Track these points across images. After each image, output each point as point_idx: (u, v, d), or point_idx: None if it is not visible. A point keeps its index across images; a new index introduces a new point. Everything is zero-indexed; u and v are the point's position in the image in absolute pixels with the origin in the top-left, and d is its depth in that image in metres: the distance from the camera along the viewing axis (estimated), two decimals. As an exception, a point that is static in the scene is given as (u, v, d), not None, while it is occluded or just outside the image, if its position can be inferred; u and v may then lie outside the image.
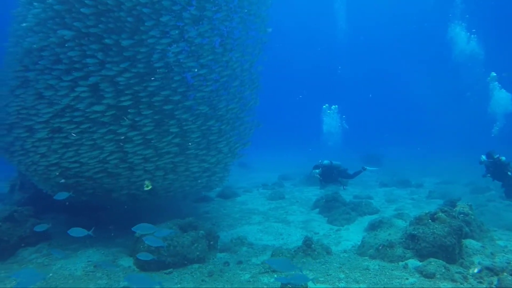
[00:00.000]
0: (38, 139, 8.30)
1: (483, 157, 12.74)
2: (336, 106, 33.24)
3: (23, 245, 8.58)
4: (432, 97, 59.28)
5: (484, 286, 6.06)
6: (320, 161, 13.14)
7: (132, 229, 6.65)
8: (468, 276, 6.39)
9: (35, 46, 7.99)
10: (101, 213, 10.86)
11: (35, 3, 7.92)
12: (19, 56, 8.53)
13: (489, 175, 12.94)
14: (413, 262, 6.92)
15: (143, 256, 7.04)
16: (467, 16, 31.05)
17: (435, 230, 7.26)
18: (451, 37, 32.11)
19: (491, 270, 6.46)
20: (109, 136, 8.26)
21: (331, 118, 33.44)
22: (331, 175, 12.90)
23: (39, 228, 7.83)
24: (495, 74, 23.43)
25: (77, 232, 7.01)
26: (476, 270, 6.56)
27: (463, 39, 30.77)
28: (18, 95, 8.50)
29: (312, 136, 46.27)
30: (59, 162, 8.49)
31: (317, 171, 12.74)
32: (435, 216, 7.65)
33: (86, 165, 8.55)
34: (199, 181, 10.26)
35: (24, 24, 8.15)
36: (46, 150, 8.36)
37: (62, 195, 7.92)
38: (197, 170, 9.81)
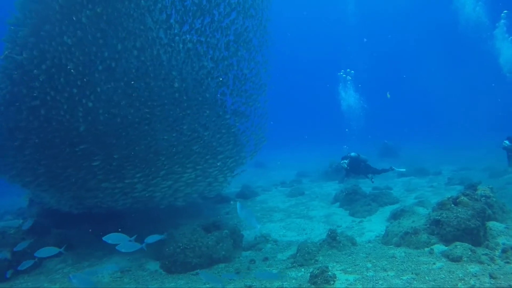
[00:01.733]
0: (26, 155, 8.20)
1: (506, 142, 12.40)
2: (353, 71, 32.68)
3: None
4: (444, 83, 58.69)
5: (512, 265, 6.05)
6: (347, 153, 13.12)
7: (103, 239, 6.44)
8: (495, 257, 6.38)
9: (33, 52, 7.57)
10: (124, 220, 11.02)
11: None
12: (8, 71, 7.93)
13: None
14: (438, 247, 6.92)
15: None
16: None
17: (458, 214, 7.25)
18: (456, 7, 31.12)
19: (517, 250, 6.44)
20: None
21: (348, 94, 32.86)
22: (358, 168, 12.87)
23: (19, 247, 7.73)
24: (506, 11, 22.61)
25: (45, 252, 6.80)
26: None
27: (469, 5, 29.64)
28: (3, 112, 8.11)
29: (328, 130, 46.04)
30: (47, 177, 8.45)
31: (345, 161, 12.71)
32: (457, 200, 7.65)
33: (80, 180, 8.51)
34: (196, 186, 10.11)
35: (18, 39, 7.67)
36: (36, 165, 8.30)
37: (27, 224, 8.23)
38: (194, 176, 9.67)
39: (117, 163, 8.38)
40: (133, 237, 6.67)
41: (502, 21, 23.38)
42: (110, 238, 6.47)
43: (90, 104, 7.70)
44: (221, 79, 9.12)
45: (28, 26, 7.56)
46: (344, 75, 32.59)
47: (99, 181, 8.56)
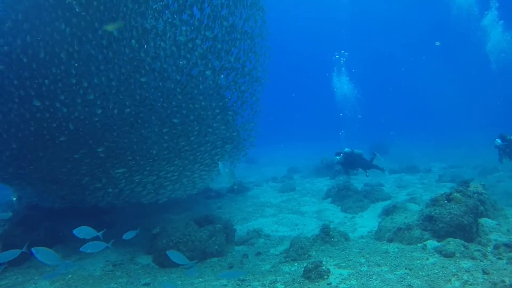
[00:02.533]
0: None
1: (498, 140, 12.49)
2: (347, 53, 32.80)
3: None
4: (438, 78, 58.72)
5: (504, 262, 6.10)
6: (341, 149, 13.07)
7: (73, 231, 6.23)
8: (487, 253, 6.43)
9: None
10: (116, 214, 10.94)
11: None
12: None
13: (507, 157, 12.65)
14: (431, 243, 6.95)
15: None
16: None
17: (451, 210, 7.29)
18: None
19: (509, 247, 6.49)
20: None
21: (342, 80, 32.85)
22: (353, 163, 12.85)
23: None
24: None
25: (5, 257, 6.20)
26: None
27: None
28: None
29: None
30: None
31: (337, 157, 12.69)
32: (450, 196, 7.69)
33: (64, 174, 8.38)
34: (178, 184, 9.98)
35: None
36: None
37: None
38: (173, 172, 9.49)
39: (105, 155, 8.27)
40: (101, 232, 6.54)
41: (493, 5, 23.42)
42: (80, 232, 6.27)
43: (91, 97, 7.52)
44: (222, 76, 8.97)
45: (19, 12, 7.35)
46: (338, 56, 32.59)
47: (82, 175, 8.45)
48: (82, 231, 6.31)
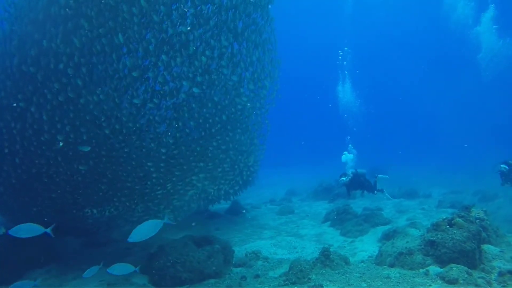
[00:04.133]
0: None
1: (504, 166, 12.44)
2: (350, 50, 32.69)
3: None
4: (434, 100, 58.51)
5: (509, 290, 5.98)
6: (344, 171, 13.21)
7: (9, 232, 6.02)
8: (492, 281, 6.31)
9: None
10: (112, 232, 10.79)
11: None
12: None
13: (510, 183, 12.60)
14: (434, 269, 6.82)
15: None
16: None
17: (454, 236, 7.18)
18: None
19: (513, 274, 6.38)
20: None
21: (345, 91, 32.61)
22: (358, 182, 12.93)
23: None
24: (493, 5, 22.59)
25: None
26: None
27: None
28: None
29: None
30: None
31: (344, 178, 12.78)
32: (452, 221, 7.59)
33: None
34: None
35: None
36: None
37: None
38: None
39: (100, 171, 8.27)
40: (49, 228, 6.33)
41: (490, 8, 23.51)
42: (20, 230, 6.04)
43: (103, 118, 7.61)
44: (249, 104, 8.98)
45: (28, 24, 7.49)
46: (341, 53, 32.52)
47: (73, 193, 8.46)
48: (22, 230, 6.06)
